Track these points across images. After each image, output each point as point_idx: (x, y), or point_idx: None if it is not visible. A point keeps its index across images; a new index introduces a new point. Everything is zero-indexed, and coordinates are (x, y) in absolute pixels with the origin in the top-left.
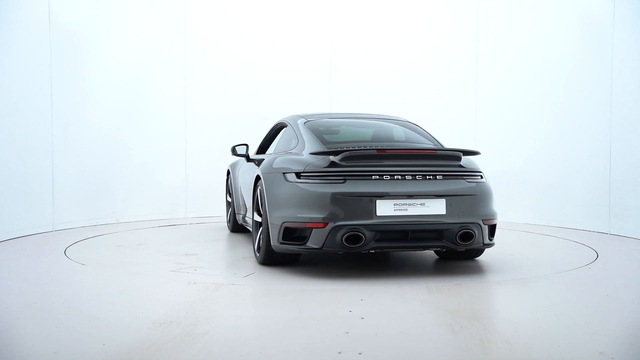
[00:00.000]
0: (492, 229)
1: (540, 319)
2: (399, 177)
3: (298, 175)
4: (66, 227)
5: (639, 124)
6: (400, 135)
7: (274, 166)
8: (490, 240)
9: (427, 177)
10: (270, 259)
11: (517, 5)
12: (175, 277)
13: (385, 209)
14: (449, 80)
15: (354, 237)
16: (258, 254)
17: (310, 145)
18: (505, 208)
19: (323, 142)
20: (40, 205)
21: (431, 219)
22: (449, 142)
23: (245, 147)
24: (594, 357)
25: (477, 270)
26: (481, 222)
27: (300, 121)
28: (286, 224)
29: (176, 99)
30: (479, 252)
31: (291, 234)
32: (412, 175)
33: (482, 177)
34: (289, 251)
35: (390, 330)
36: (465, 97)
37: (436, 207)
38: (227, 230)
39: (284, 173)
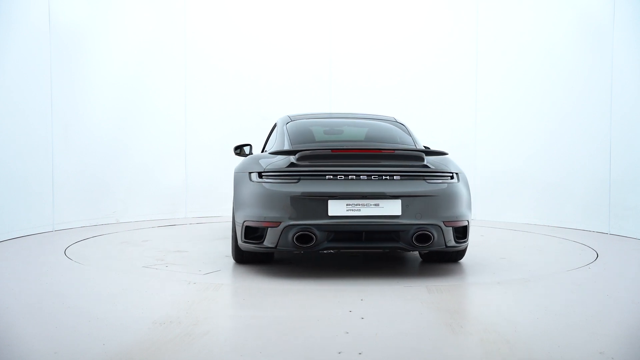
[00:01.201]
0: (461, 230)
1: (540, 319)
2: (354, 177)
3: (260, 175)
4: (66, 227)
5: (639, 124)
6: (375, 135)
7: (242, 166)
8: (459, 242)
9: (384, 177)
10: (240, 257)
11: (517, 5)
12: (175, 277)
13: (337, 209)
14: (449, 80)
15: (304, 237)
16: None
17: (279, 145)
18: (505, 208)
19: (294, 142)
20: (40, 205)
21: (385, 219)
22: (449, 142)
23: (249, 147)
24: (594, 357)
25: (477, 270)
26: (442, 224)
27: (286, 121)
28: (247, 223)
29: (176, 99)
30: (459, 254)
31: (252, 232)
32: (367, 176)
33: (453, 177)
34: (250, 250)
35: (390, 330)
36: (465, 97)
37: (391, 208)
38: (228, 231)
39: (249, 173)
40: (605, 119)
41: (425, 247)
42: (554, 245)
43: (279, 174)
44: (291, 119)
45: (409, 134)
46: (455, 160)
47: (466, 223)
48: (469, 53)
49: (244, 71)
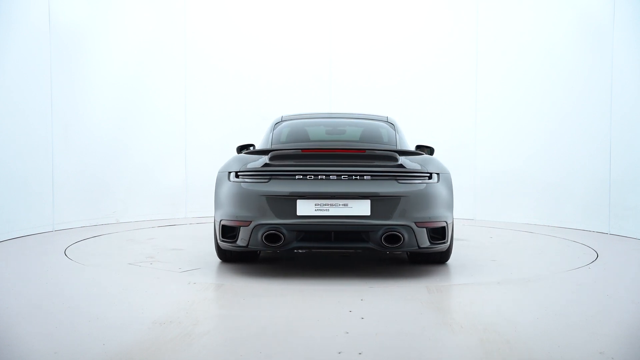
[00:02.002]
0: (440, 231)
1: (540, 319)
2: (323, 177)
3: (237, 175)
4: (66, 227)
5: (639, 124)
6: (358, 135)
7: (224, 166)
8: (435, 243)
9: (353, 177)
10: (223, 255)
11: (517, 5)
12: (176, 277)
13: (306, 209)
14: (449, 80)
15: (273, 236)
16: None
17: (263, 145)
18: (505, 208)
19: (275, 142)
20: (40, 205)
21: (354, 220)
22: (449, 142)
23: (252, 147)
24: (594, 357)
25: (477, 270)
26: (413, 225)
27: (276, 121)
28: (223, 222)
29: (176, 99)
30: (443, 255)
31: (228, 231)
32: (336, 176)
33: (431, 177)
34: (227, 248)
35: (390, 330)
36: (465, 97)
37: (360, 208)
38: None
39: (228, 172)
40: (605, 119)
41: (395, 247)
42: (554, 245)
43: (253, 174)
44: (282, 120)
45: (396, 133)
46: (441, 160)
47: (444, 224)
48: (469, 53)
49: (244, 71)
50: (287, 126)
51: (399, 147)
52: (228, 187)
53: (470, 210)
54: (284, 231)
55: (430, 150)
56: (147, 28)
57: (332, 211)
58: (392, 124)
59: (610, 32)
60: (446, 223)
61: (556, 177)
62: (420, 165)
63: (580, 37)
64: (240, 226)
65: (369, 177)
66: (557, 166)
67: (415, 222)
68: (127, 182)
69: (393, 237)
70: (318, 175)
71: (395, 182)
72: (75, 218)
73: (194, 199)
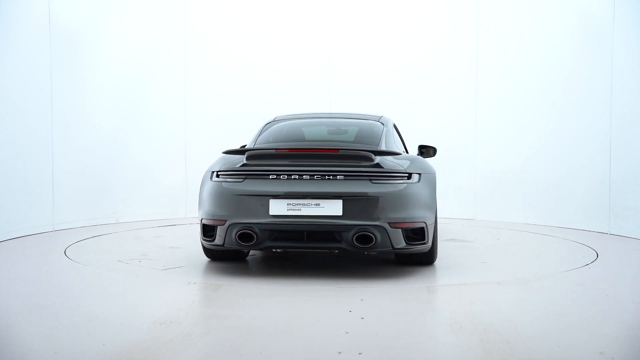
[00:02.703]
0: (418, 232)
1: (540, 319)
2: (296, 176)
3: (217, 174)
4: (66, 227)
5: (639, 124)
6: (341, 136)
7: (210, 165)
8: (412, 244)
9: (326, 177)
10: (208, 253)
11: (517, 5)
12: (176, 277)
13: (278, 208)
14: (449, 80)
15: (246, 235)
16: None
17: (249, 145)
18: (505, 208)
19: (259, 142)
20: (40, 205)
21: (326, 219)
22: (449, 142)
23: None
24: (594, 357)
25: (477, 270)
26: (387, 225)
27: (267, 122)
28: (203, 221)
29: (176, 99)
30: (426, 256)
31: (207, 230)
32: (309, 175)
33: (410, 177)
34: (207, 247)
35: (390, 330)
36: (465, 97)
37: (332, 208)
38: None
39: (210, 172)
40: (605, 119)
41: (367, 248)
42: (554, 245)
43: (231, 174)
44: (274, 120)
45: (384, 133)
46: (441, 160)
47: (423, 225)
48: (469, 53)
49: (244, 71)
50: (275, 126)
51: (382, 147)
52: (208, 186)
53: (470, 210)
54: (257, 230)
55: (433, 150)
56: (147, 28)
57: (304, 211)
58: (383, 124)
59: (610, 32)
60: (425, 224)
61: (556, 177)
62: (400, 165)
63: (580, 37)
64: (217, 225)
65: (341, 177)
66: (557, 166)
67: (389, 223)
68: (127, 182)
69: (365, 238)
70: (291, 175)
71: (368, 182)
72: (75, 218)
73: (194, 199)
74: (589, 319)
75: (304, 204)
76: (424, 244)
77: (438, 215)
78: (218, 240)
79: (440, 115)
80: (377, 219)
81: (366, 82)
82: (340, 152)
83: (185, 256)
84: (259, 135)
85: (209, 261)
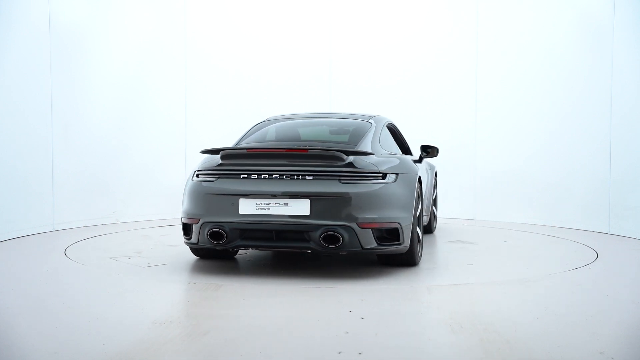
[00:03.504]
0: (393, 232)
1: (540, 319)
2: (266, 176)
3: (197, 174)
4: (66, 227)
5: (639, 124)
6: (323, 135)
7: (196, 165)
8: (384, 244)
9: (295, 177)
10: (194, 251)
11: (517, 6)
12: (176, 277)
13: (247, 207)
14: (449, 80)
15: (216, 234)
16: None
17: (235, 145)
18: (505, 208)
19: (243, 142)
20: (40, 205)
21: (294, 219)
22: (449, 142)
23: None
24: (594, 357)
25: (477, 270)
26: (355, 225)
27: (259, 122)
28: (183, 219)
29: (176, 99)
30: (407, 257)
31: (186, 229)
32: (279, 175)
33: (385, 177)
34: (186, 245)
35: (390, 330)
36: (465, 97)
37: (300, 208)
38: None
39: (193, 171)
40: (605, 119)
41: (335, 248)
42: (553, 245)
43: (206, 173)
44: (265, 120)
45: (368, 134)
46: (441, 160)
47: (396, 225)
48: (469, 53)
49: (244, 71)
50: (263, 127)
51: (362, 147)
52: (188, 186)
53: (470, 210)
54: (227, 229)
55: (436, 151)
56: (147, 28)
57: (273, 210)
58: (372, 123)
59: (610, 32)
60: (400, 225)
61: (556, 177)
62: (375, 165)
63: (580, 37)
64: (192, 224)
65: (310, 177)
66: (557, 166)
67: (357, 223)
68: (127, 182)
69: (331, 238)
70: (261, 175)
71: (337, 182)
72: (75, 218)
73: None
74: (589, 319)
75: (272, 204)
76: (399, 244)
77: (438, 215)
78: (194, 238)
79: (440, 115)
80: (345, 219)
81: (366, 82)
82: (310, 152)
83: (177, 254)
84: (244, 135)
85: (197, 259)
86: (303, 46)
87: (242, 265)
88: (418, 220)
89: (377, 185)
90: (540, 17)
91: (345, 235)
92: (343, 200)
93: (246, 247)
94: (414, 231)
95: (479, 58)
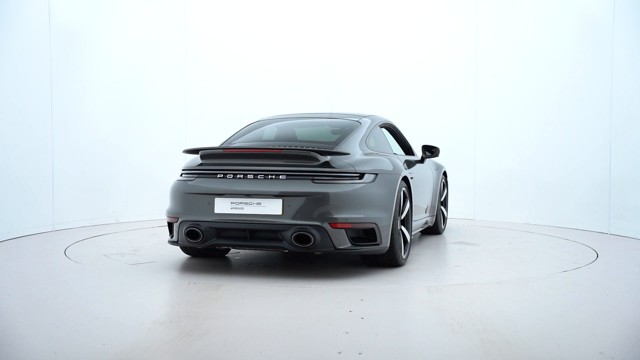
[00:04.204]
0: (369, 232)
1: (540, 319)
2: (241, 176)
3: (181, 173)
4: (66, 227)
5: (639, 124)
6: (307, 135)
7: None
8: (359, 245)
9: (269, 176)
10: (182, 249)
11: (517, 6)
12: (176, 277)
13: (222, 206)
14: (449, 80)
15: (193, 233)
16: None
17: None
18: (505, 208)
19: (230, 142)
20: (40, 205)
21: (266, 218)
22: (449, 142)
23: None
24: (594, 357)
25: (477, 270)
26: (327, 225)
27: (252, 122)
28: (166, 218)
29: (176, 99)
30: (388, 258)
31: (170, 227)
32: (253, 175)
33: (362, 177)
34: (170, 243)
35: (390, 330)
36: (466, 98)
37: (272, 207)
38: None
39: (180, 170)
40: (605, 119)
41: (307, 248)
42: (554, 245)
43: (188, 172)
44: (259, 121)
45: (354, 134)
46: (441, 159)
47: (372, 226)
48: (469, 53)
49: (244, 72)
50: (252, 127)
51: (343, 147)
52: (172, 185)
53: (470, 210)
54: (203, 228)
55: (437, 151)
56: (148, 28)
57: (247, 209)
58: (360, 123)
59: (610, 32)
60: (377, 225)
61: (556, 177)
62: (351, 165)
63: (580, 37)
64: (173, 222)
65: (284, 176)
66: (557, 166)
67: (329, 223)
68: (127, 182)
69: (302, 237)
70: (236, 174)
71: (310, 181)
72: (75, 218)
73: None
74: (589, 319)
75: (246, 203)
76: (377, 245)
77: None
78: (175, 236)
79: (440, 116)
80: (316, 219)
81: (367, 82)
82: (284, 152)
83: (177, 255)
84: (232, 135)
85: (197, 259)
86: (303, 47)
87: (242, 265)
88: (404, 221)
89: (353, 185)
90: (541, 17)
91: (317, 235)
92: (315, 200)
93: (221, 246)
94: (395, 232)
95: (479, 58)
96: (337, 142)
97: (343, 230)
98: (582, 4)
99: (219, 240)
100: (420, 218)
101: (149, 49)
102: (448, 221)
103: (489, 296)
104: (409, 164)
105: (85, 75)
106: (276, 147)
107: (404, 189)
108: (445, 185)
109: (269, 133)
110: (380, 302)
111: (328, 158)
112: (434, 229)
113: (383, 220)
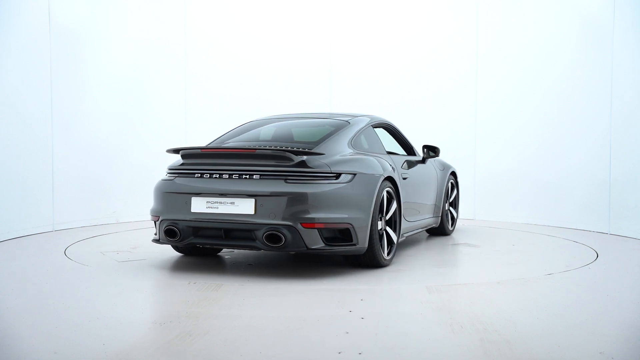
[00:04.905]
0: (346, 233)
1: (540, 319)
2: (217, 175)
3: (167, 173)
4: (66, 227)
5: (639, 124)
6: (290, 136)
7: None
8: (333, 245)
9: (243, 176)
10: (174, 247)
11: (517, 6)
12: (176, 277)
13: (199, 206)
14: (449, 80)
15: (171, 231)
16: None
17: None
18: (505, 208)
19: (218, 141)
20: (40, 205)
21: (240, 218)
22: (449, 142)
23: None
24: (594, 357)
25: (477, 270)
26: (299, 225)
27: (244, 123)
28: (150, 217)
29: (176, 99)
30: (368, 259)
31: (155, 225)
32: (228, 175)
33: (338, 177)
34: (153, 241)
35: (390, 330)
36: (466, 98)
37: (245, 207)
38: None
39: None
40: (605, 119)
41: (278, 247)
42: (554, 245)
43: (171, 172)
44: (251, 121)
45: (332, 134)
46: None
47: (347, 226)
48: (469, 53)
49: (244, 72)
50: (241, 127)
51: (323, 147)
52: (156, 184)
53: (470, 210)
54: (180, 227)
55: (437, 151)
56: (148, 28)
57: (221, 209)
58: (349, 123)
59: (610, 32)
60: (352, 225)
61: (556, 177)
62: (327, 165)
63: (580, 37)
64: (155, 221)
65: (257, 176)
66: (557, 166)
67: (301, 223)
68: (127, 182)
69: (274, 237)
70: (212, 174)
71: (282, 181)
72: (75, 218)
73: None
74: (589, 319)
75: (220, 202)
76: (353, 245)
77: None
78: (157, 235)
79: (440, 115)
80: (288, 219)
81: (367, 82)
82: (257, 152)
83: (176, 255)
84: (220, 137)
85: (197, 259)
86: (303, 47)
87: (242, 265)
88: (389, 222)
89: (328, 185)
90: (541, 17)
91: (288, 235)
92: (287, 200)
93: (198, 244)
94: (374, 232)
95: (479, 58)
96: (319, 142)
97: (315, 230)
98: (582, 4)
99: (196, 239)
100: (420, 219)
101: (149, 49)
102: None
103: (489, 296)
104: (409, 164)
105: (85, 75)
106: (251, 147)
107: (388, 189)
108: (454, 186)
109: (253, 134)
110: (380, 302)
111: (304, 158)
112: (440, 230)
113: (360, 221)
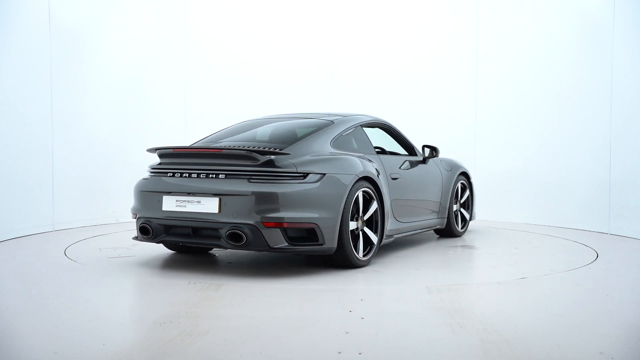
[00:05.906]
0: (311, 232)
1: (540, 319)
2: (186, 175)
3: (148, 172)
4: (66, 227)
5: (639, 124)
6: (264, 136)
7: None
8: (298, 244)
9: (210, 175)
10: (165, 245)
11: (517, 6)
12: (176, 277)
13: (169, 204)
14: (449, 80)
15: (144, 229)
16: None
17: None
18: (505, 208)
19: (209, 140)
20: (40, 205)
21: (205, 216)
22: (449, 142)
23: None
24: (594, 357)
25: (477, 270)
26: (261, 224)
27: (237, 123)
28: (132, 215)
29: (176, 99)
30: (340, 259)
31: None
32: (197, 174)
33: (305, 177)
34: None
35: (390, 330)
36: (466, 98)
37: (210, 206)
38: None
39: None
40: (605, 119)
41: (240, 246)
42: (553, 245)
43: (150, 171)
44: (245, 122)
45: (308, 134)
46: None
47: (312, 226)
48: (469, 53)
49: (244, 72)
50: (230, 128)
51: (296, 147)
52: (136, 183)
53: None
54: (152, 225)
55: (436, 151)
56: (148, 28)
57: (189, 207)
58: (333, 122)
59: (610, 32)
60: (318, 225)
61: (556, 177)
62: (294, 165)
63: (580, 37)
64: (134, 219)
65: (223, 175)
66: (557, 166)
67: (263, 222)
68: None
69: (235, 235)
70: (182, 173)
71: (246, 181)
72: (75, 218)
73: None
74: (589, 319)
75: (188, 201)
76: (319, 245)
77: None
78: (136, 232)
79: (440, 116)
80: (250, 218)
81: (367, 83)
82: (223, 152)
83: (176, 255)
84: (208, 136)
85: (197, 259)
86: (303, 47)
87: (242, 265)
88: (369, 222)
89: (293, 185)
90: (541, 17)
91: (249, 234)
92: (249, 199)
93: (169, 242)
94: (344, 232)
95: (479, 58)
96: (293, 142)
97: (278, 230)
98: (582, 4)
99: (168, 236)
100: (417, 220)
101: (149, 49)
102: None
103: (489, 296)
104: (406, 164)
105: (85, 75)
106: (216, 147)
107: (365, 189)
108: (466, 186)
109: (239, 134)
110: (380, 302)
111: (272, 157)
112: (447, 231)
113: (327, 221)
